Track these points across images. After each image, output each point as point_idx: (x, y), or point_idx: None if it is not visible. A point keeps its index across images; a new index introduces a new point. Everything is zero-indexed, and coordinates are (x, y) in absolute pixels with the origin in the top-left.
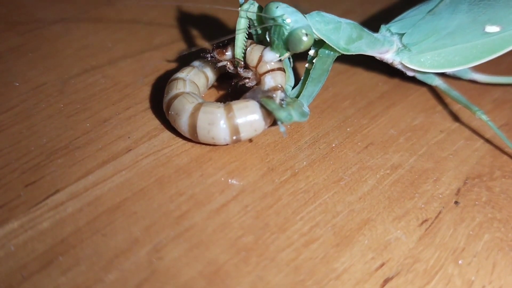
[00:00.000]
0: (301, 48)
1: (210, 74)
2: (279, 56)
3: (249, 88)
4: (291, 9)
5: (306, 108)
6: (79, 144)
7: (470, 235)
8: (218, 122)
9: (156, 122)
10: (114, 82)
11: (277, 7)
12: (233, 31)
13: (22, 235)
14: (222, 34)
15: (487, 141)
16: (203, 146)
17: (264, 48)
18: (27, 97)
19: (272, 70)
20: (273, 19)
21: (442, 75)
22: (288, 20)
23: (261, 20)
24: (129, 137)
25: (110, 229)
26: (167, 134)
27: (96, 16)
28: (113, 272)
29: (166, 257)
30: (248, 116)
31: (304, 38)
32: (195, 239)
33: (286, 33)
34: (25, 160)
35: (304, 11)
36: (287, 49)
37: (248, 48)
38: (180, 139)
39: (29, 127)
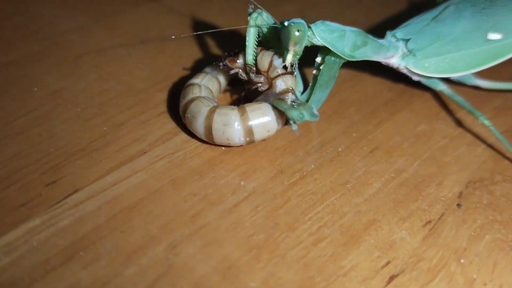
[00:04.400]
0: (291, 41)
1: (222, 80)
2: (283, 61)
3: (261, 92)
4: (298, 19)
5: (315, 112)
6: (96, 147)
7: (471, 236)
8: (233, 124)
9: (169, 126)
10: (128, 87)
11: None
12: (243, 38)
13: (44, 232)
14: (233, 41)
15: (488, 146)
16: (215, 149)
17: (274, 54)
18: (46, 101)
19: (283, 74)
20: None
21: (446, 80)
22: (286, 23)
23: (269, 27)
24: (144, 140)
25: (128, 226)
26: (180, 137)
27: (110, 25)
28: (132, 267)
29: (182, 254)
30: (261, 117)
31: (296, 33)
32: (208, 237)
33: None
34: (45, 161)
35: (311, 21)
36: (286, 48)
37: (259, 55)
38: (193, 142)
39: (48, 130)
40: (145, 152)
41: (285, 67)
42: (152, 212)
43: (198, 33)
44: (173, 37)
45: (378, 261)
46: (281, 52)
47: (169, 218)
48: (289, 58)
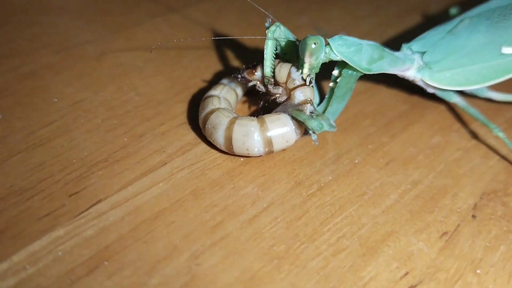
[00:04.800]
0: (306, 52)
1: (239, 91)
2: (301, 73)
3: (279, 104)
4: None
5: (333, 123)
6: (117, 158)
7: (487, 247)
8: (252, 134)
9: (188, 138)
10: (147, 99)
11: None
12: (259, 51)
13: (68, 242)
14: (249, 53)
15: (502, 158)
16: (234, 160)
17: (292, 66)
18: (66, 112)
19: (301, 85)
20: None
21: (460, 92)
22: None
23: (287, 41)
24: (164, 151)
25: (151, 236)
26: (200, 148)
27: (127, 37)
28: (156, 276)
29: (204, 264)
30: (280, 128)
31: (312, 46)
32: (230, 247)
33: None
34: (68, 171)
35: (325, 34)
36: (302, 60)
37: (277, 67)
38: (212, 153)
39: (70, 141)
40: (165, 163)
41: (303, 80)
42: (174, 223)
43: (217, 38)
44: (188, 39)
45: (396, 272)
46: (299, 64)
47: (190, 229)
48: (305, 70)
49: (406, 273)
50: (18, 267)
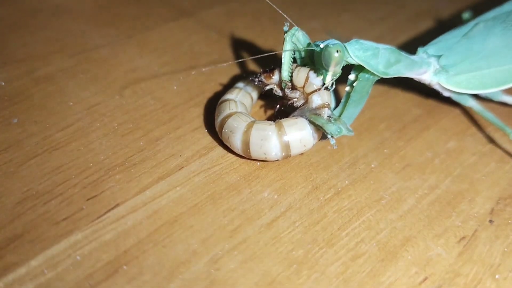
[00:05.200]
0: (331, 62)
1: (254, 95)
2: (322, 80)
3: (296, 108)
4: (332, 39)
5: (349, 127)
6: (134, 161)
7: (505, 252)
8: (270, 138)
9: (204, 142)
10: (162, 103)
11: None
12: (272, 54)
13: (87, 246)
14: (262, 56)
15: None
16: (251, 164)
17: (310, 70)
18: (82, 116)
19: (319, 89)
20: (310, 44)
21: (475, 96)
22: (322, 45)
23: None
24: (180, 155)
25: (170, 241)
26: (216, 152)
27: (141, 41)
28: (175, 281)
29: (223, 268)
30: (297, 132)
31: (335, 54)
32: (248, 251)
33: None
34: (85, 175)
35: (337, 38)
36: (325, 68)
37: (295, 71)
38: (229, 157)
39: (86, 145)
40: (182, 167)
41: (326, 89)
42: (192, 227)
43: (235, 61)
44: (203, 69)
45: (416, 277)
46: (319, 71)
47: (209, 233)
48: (330, 78)
49: (425, 278)
50: (37, 272)
